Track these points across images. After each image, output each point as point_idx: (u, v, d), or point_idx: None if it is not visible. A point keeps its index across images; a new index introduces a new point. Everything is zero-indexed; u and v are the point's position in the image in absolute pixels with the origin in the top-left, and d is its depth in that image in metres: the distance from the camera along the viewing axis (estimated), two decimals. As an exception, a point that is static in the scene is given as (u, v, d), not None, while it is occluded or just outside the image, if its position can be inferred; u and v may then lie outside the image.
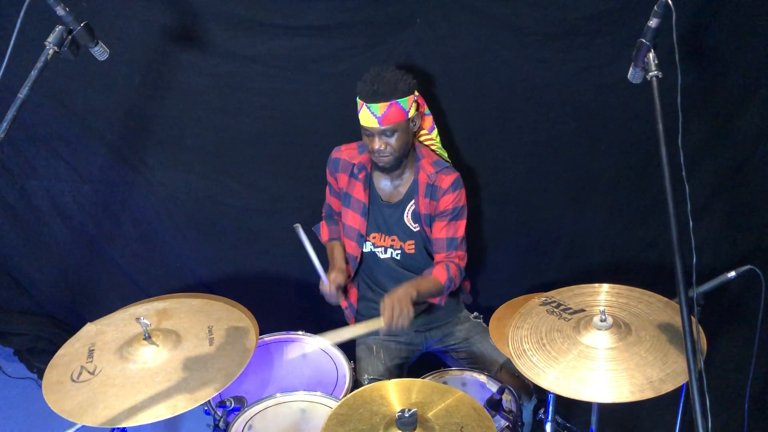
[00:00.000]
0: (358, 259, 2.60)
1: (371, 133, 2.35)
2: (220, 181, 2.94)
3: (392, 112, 2.30)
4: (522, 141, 2.62)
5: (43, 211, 3.23)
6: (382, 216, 2.54)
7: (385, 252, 2.57)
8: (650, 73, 1.67)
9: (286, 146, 2.80)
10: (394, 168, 2.46)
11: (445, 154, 2.56)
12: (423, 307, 2.57)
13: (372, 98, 2.28)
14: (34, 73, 1.70)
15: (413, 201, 2.49)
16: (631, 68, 1.77)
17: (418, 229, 2.52)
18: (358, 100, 2.33)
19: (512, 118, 2.57)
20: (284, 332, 2.58)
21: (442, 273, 2.44)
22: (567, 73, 2.42)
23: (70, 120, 2.94)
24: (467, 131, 2.67)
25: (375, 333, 2.48)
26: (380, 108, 2.28)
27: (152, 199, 3.04)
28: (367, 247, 2.57)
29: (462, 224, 2.48)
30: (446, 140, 2.64)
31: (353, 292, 2.67)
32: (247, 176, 2.91)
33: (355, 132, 2.50)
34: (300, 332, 2.58)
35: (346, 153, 2.54)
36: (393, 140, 2.35)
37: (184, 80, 2.74)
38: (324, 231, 2.70)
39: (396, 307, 2.26)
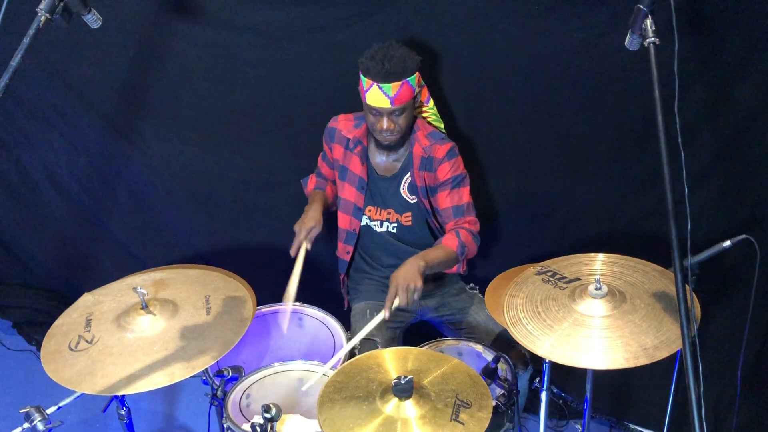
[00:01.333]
0: (357, 232, 2.59)
1: (380, 113, 2.32)
2: (217, 153, 2.93)
3: (404, 91, 2.27)
4: (519, 112, 2.60)
5: (39, 184, 3.23)
6: (378, 189, 2.54)
7: (381, 225, 2.57)
8: (647, 40, 1.65)
9: (283, 117, 2.79)
10: (399, 146, 2.46)
11: (442, 125, 2.55)
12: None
13: (385, 78, 2.24)
14: (26, 41, 1.68)
15: (409, 174, 2.49)
16: (628, 35, 1.75)
17: (415, 200, 2.52)
18: (364, 78, 2.27)
19: (510, 88, 2.56)
20: (281, 303, 2.58)
21: (452, 240, 2.40)
22: (566, 42, 2.39)
23: (65, 92, 2.93)
24: (464, 102, 2.65)
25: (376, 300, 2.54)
26: (393, 88, 2.25)
27: (148, 171, 3.03)
28: (364, 221, 2.57)
29: (465, 191, 2.46)
30: (443, 111, 2.62)
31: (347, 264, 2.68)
32: (243, 148, 2.90)
33: (351, 103, 2.48)
34: (297, 303, 2.59)
35: (343, 124, 2.52)
36: (401, 119, 2.34)
37: (179, 51, 2.71)
38: (311, 182, 2.70)
39: (406, 281, 2.22)
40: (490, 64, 2.52)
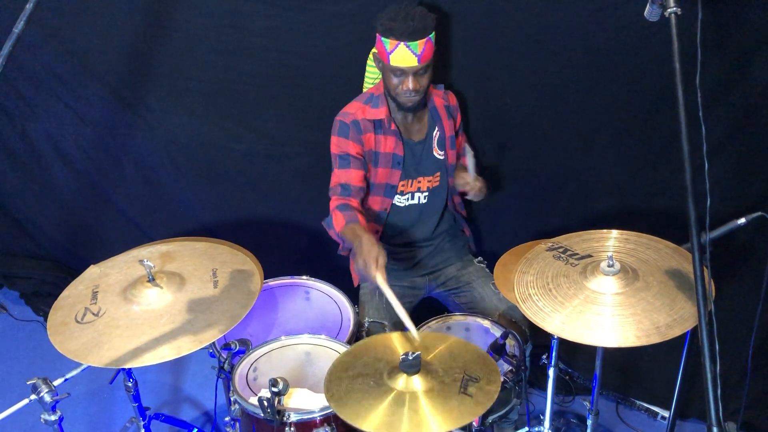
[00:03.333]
0: (388, 211, 2.55)
1: (405, 73, 2.28)
2: (222, 125, 2.89)
3: (428, 48, 2.26)
4: (531, 83, 2.55)
5: (45, 155, 3.21)
6: (413, 158, 2.50)
7: (411, 198, 2.55)
8: (669, 10, 1.60)
9: (289, 89, 2.74)
10: (422, 105, 2.45)
11: None
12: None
13: (412, 36, 2.20)
14: (29, 6, 1.64)
15: (437, 129, 2.50)
16: (648, 5, 1.70)
17: (443, 156, 2.53)
18: (387, 40, 2.23)
19: (521, 59, 2.50)
20: (288, 276, 2.58)
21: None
22: (580, 13, 2.33)
23: (70, 61, 2.90)
24: (474, 72, 2.60)
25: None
26: (420, 45, 2.23)
27: (154, 143, 3.01)
28: (395, 199, 2.54)
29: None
30: (452, 81, 2.58)
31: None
32: (249, 120, 2.86)
33: (358, 74, 2.44)
34: (304, 277, 2.58)
35: (360, 113, 2.40)
36: (425, 78, 2.32)
37: (184, 20, 2.67)
38: (338, 218, 2.35)
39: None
40: (501, 33, 2.47)
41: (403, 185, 2.51)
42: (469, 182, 2.46)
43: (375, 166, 2.48)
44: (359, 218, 2.33)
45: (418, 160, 2.50)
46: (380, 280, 2.04)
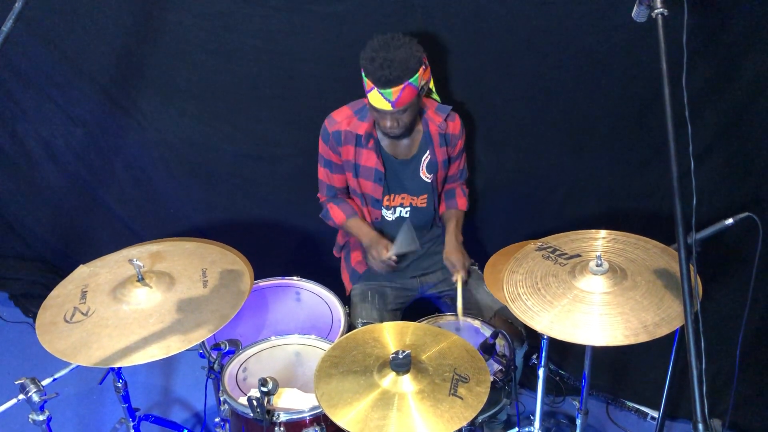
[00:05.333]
0: (379, 220, 2.57)
1: (383, 114, 2.27)
2: (214, 126, 2.89)
3: (405, 93, 2.20)
4: (521, 86, 2.56)
5: (35, 155, 3.20)
6: (395, 175, 2.49)
7: (394, 212, 2.55)
8: (656, 11, 1.61)
9: (282, 90, 2.74)
10: (405, 136, 2.44)
11: (438, 99, 2.53)
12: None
13: (385, 84, 2.16)
14: (18, 5, 1.64)
15: (428, 153, 2.47)
16: (635, 6, 1.72)
17: (431, 179, 2.51)
18: (365, 78, 2.21)
19: (512, 62, 2.51)
20: (279, 277, 2.58)
21: (463, 201, 2.67)
22: (570, 15, 2.34)
23: (61, 62, 2.88)
24: (465, 76, 2.61)
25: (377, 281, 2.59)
26: (394, 93, 2.18)
27: (145, 144, 3.00)
28: (383, 212, 2.55)
29: (464, 154, 2.62)
30: (443, 85, 2.59)
31: (355, 256, 2.67)
32: (241, 121, 2.86)
33: (350, 75, 2.44)
34: (295, 277, 2.58)
35: (345, 123, 2.42)
36: (405, 117, 2.29)
37: (176, 21, 2.66)
38: (336, 213, 2.56)
39: (463, 261, 2.48)
40: (491, 37, 2.48)
41: (387, 200, 2.52)
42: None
43: (356, 177, 2.48)
44: (357, 211, 2.55)
45: (401, 178, 2.50)
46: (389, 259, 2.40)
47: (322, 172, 2.53)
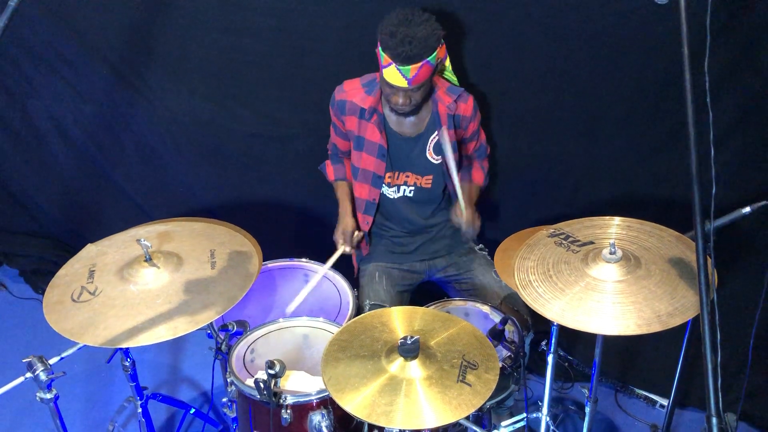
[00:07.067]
0: (377, 201, 2.54)
1: (396, 89, 2.23)
2: (224, 105, 2.86)
3: (423, 71, 2.17)
4: (536, 69, 2.52)
5: (45, 132, 3.19)
6: (400, 152, 2.46)
7: (398, 191, 2.52)
8: (679, -9, 1.56)
9: (292, 69, 2.71)
10: (414, 114, 2.40)
11: (455, 79, 2.48)
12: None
13: (404, 61, 2.12)
14: (24, -20, 1.61)
15: (436, 133, 2.42)
16: (658, -13, 1.66)
17: (439, 161, 2.46)
18: (383, 53, 2.16)
19: (527, 44, 2.47)
20: (288, 259, 2.56)
21: (480, 175, 2.63)
22: (587, -4, 2.30)
23: (70, 38, 2.86)
24: (479, 58, 2.57)
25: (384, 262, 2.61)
26: (412, 70, 2.14)
27: (155, 122, 2.98)
28: (384, 190, 2.52)
29: (482, 131, 2.58)
30: (458, 67, 2.54)
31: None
32: (251, 100, 2.83)
33: (362, 55, 2.41)
34: (304, 259, 2.57)
35: (352, 95, 2.40)
36: (417, 94, 2.26)
37: (186, -3, 2.63)
38: (330, 170, 2.66)
39: (473, 225, 2.44)
40: (506, 18, 2.43)
41: (389, 177, 2.49)
42: (454, 218, 2.46)
43: (359, 150, 2.46)
44: (347, 174, 2.63)
45: (406, 156, 2.46)
46: (342, 250, 2.46)
47: (331, 130, 2.57)
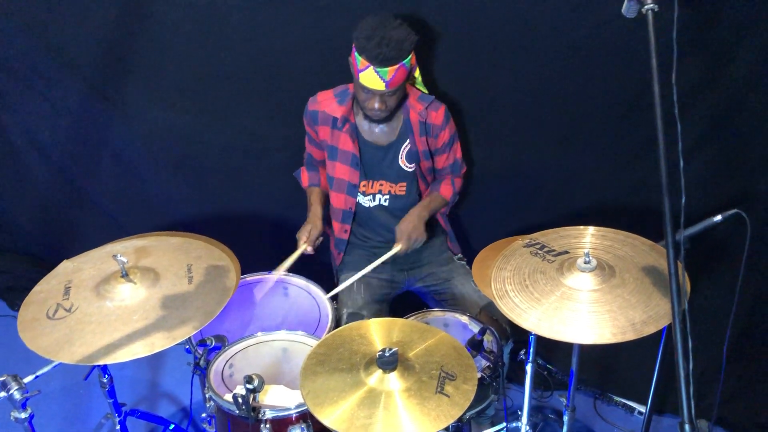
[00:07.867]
0: (353, 210, 2.56)
1: (372, 93, 2.26)
2: (201, 119, 2.85)
3: (399, 74, 2.21)
4: (512, 80, 2.55)
5: (20, 147, 3.16)
6: (373, 160, 2.48)
7: (373, 199, 2.53)
8: (646, 6, 1.60)
9: (268, 82, 2.72)
10: (388, 120, 2.42)
11: (426, 91, 2.51)
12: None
13: (382, 63, 2.16)
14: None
15: (408, 141, 2.45)
16: (625, 1, 1.70)
17: (413, 169, 2.49)
18: (359, 57, 2.19)
19: (503, 55, 2.50)
20: (266, 272, 2.55)
21: (448, 190, 2.59)
22: (562, 8, 2.33)
23: (45, 52, 2.84)
24: (454, 69, 2.59)
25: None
26: (389, 72, 2.19)
27: (131, 136, 2.96)
28: (359, 198, 2.53)
29: (458, 146, 2.58)
30: (432, 78, 2.57)
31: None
32: (228, 114, 2.83)
33: (338, 68, 2.41)
34: (283, 272, 2.56)
35: (324, 104, 2.44)
36: (393, 99, 2.29)
37: (162, 12, 2.62)
38: (304, 177, 2.68)
39: (411, 233, 2.42)
40: (482, 29, 2.46)
41: (364, 185, 2.51)
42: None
43: (333, 159, 2.48)
44: (321, 181, 2.64)
45: (379, 164, 2.49)
46: (302, 249, 2.47)
47: (306, 140, 2.61)
